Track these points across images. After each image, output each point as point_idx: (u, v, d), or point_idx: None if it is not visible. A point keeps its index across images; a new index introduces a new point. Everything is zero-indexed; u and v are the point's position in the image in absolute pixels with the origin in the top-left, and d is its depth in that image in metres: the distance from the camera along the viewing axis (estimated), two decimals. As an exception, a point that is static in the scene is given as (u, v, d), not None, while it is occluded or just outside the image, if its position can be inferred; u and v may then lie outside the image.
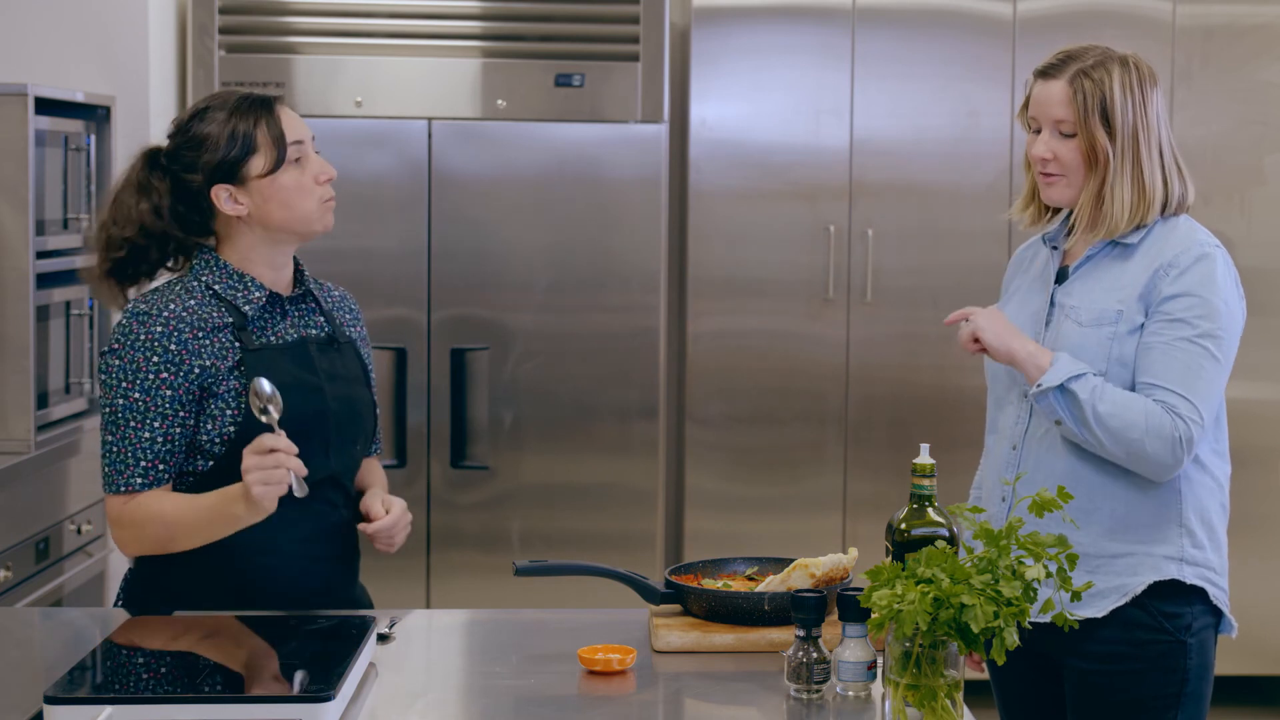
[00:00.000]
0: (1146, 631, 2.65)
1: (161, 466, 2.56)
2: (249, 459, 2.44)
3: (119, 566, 4.30)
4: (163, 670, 2.22)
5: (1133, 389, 2.64)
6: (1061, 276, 2.77)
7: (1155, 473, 2.62)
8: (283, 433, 2.45)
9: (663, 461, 4.98)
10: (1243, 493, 2.75)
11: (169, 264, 2.71)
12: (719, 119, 5.00)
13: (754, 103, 5.00)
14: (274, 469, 2.43)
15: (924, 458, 2.34)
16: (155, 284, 2.72)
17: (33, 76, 4.32)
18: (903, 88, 4.99)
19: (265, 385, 2.46)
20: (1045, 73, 2.72)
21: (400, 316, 4.84)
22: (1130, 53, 2.73)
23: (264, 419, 2.45)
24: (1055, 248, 2.80)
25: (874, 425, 5.06)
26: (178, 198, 2.64)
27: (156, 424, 2.54)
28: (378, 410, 2.83)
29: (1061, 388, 2.60)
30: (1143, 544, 2.66)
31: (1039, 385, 2.62)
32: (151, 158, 2.67)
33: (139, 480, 2.55)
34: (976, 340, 2.70)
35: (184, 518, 2.54)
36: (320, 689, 2.05)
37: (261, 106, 2.64)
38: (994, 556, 2.06)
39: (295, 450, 2.45)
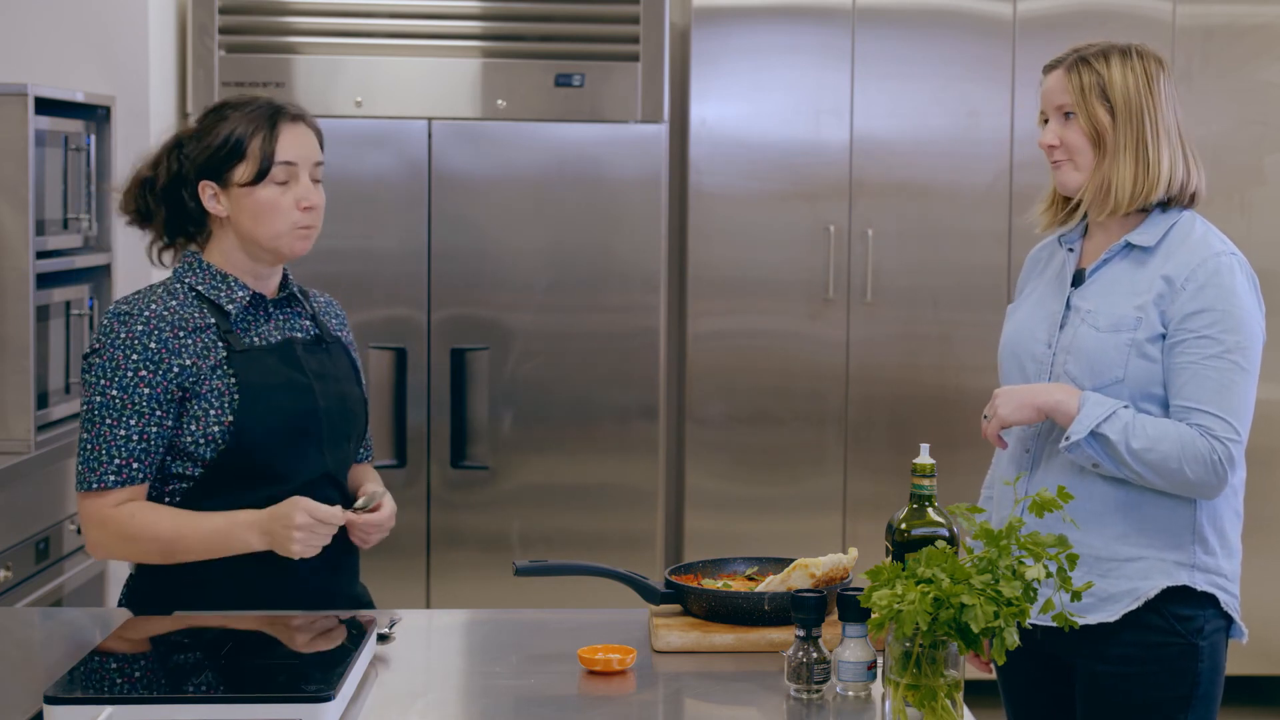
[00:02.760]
0: (1159, 634, 2.65)
1: (136, 465, 2.56)
2: (306, 518, 2.51)
3: (119, 566, 4.30)
4: (163, 670, 2.22)
5: (1163, 401, 2.64)
6: (1078, 280, 2.76)
7: (1202, 495, 2.63)
8: (342, 511, 2.58)
9: (663, 461, 4.98)
10: (1248, 494, 2.74)
11: (165, 241, 2.74)
12: (719, 119, 5.00)
13: (754, 103, 5.00)
14: (319, 538, 2.53)
15: (924, 458, 2.34)
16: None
17: (33, 76, 4.32)
18: (903, 88, 4.99)
19: (378, 498, 2.68)
20: (1050, 66, 2.78)
21: (400, 316, 4.84)
22: (1136, 42, 2.76)
23: (358, 505, 2.64)
24: (1071, 250, 2.80)
25: (874, 425, 5.06)
26: (179, 183, 2.67)
27: (133, 422, 2.55)
28: (368, 410, 2.84)
29: (1092, 433, 2.60)
30: (1155, 549, 2.65)
31: (1067, 438, 2.62)
32: (178, 138, 2.71)
33: (112, 478, 2.55)
34: (1004, 425, 2.70)
35: (184, 536, 2.55)
36: (320, 689, 2.05)
37: (268, 119, 2.65)
38: (994, 556, 2.06)
39: (343, 521, 2.57)
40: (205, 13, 4.75)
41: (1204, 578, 2.66)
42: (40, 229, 3.96)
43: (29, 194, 3.87)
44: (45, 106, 4.00)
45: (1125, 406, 2.62)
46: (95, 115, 4.32)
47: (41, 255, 3.97)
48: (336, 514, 2.53)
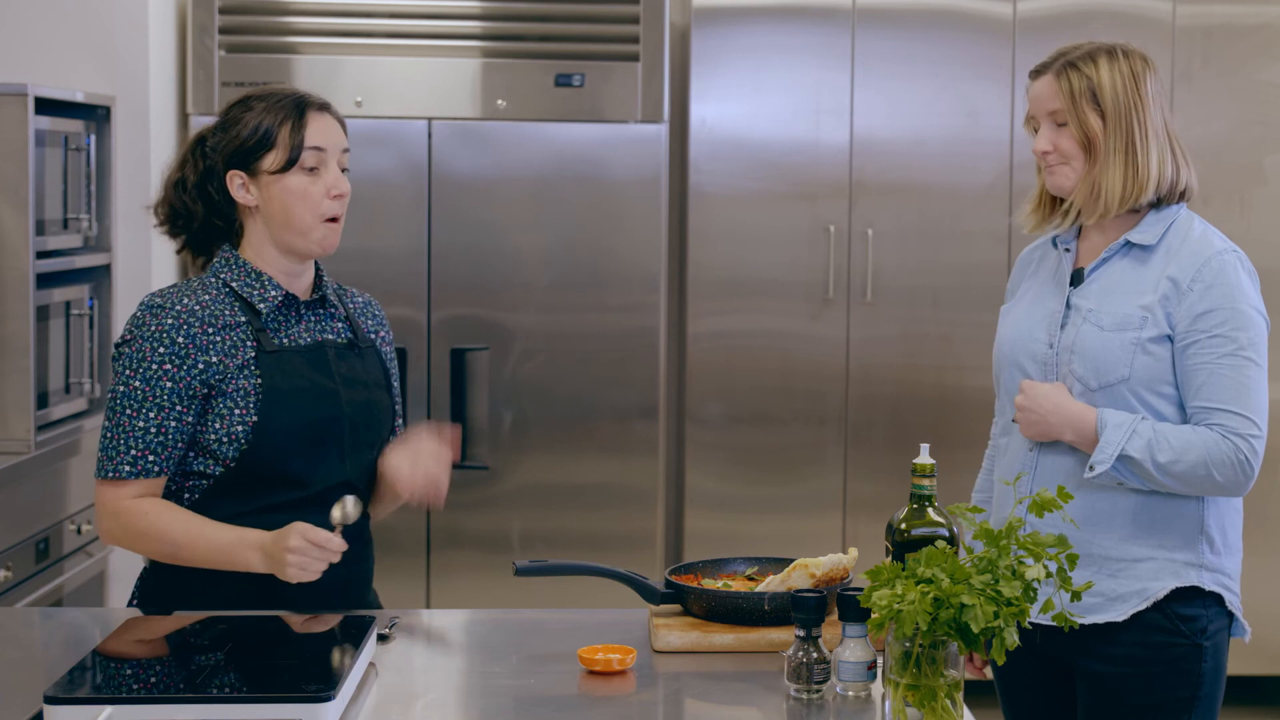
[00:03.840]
0: (1164, 635, 2.65)
1: (151, 458, 2.56)
2: (300, 541, 2.46)
3: (119, 566, 4.30)
4: (163, 670, 2.22)
5: (1172, 399, 2.64)
6: (1077, 279, 2.76)
7: (1231, 494, 2.64)
8: (339, 538, 2.50)
9: (663, 461, 4.98)
10: (1248, 493, 2.74)
11: (197, 246, 2.74)
12: (719, 119, 5.00)
13: (754, 103, 5.00)
14: (316, 562, 2.47)
15: (924, 458, 2.34)
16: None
17: (33, 76, 4.32)
18: (903, 88, 4.99)
19: (351, 505, 2.53)
20: (1036, 72, 2.78)
21: (400, 316, 4.84)
22: (1120, 42, 2.75)
23: (334, 519, 2.52)
24: (1068, 249, 2.80)
25: (874, 425, 5.06)
26: (207, 177, 2.68)
27: (152, 414, 2.55)
28: (398, 415, 2.83)
29: (1118, 457, 2.60)
30: (1165, 549, 2.65)
31: (1091, 468, 2.62)
32: (200, 135, 2.72)
33: (126, 469, 2.55)
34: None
35: (193, 544, 2.55)
36: (320, 689, 2.05)
37: (295, 108, 2.65)
38: (994, 556, 2.06)
39: (344, 548, 2.49)
40: (205, 13, 4.75)
41: (1211, 577, 2.66)
42: (40, 229, 3.96)
43: (29, 194, 3.87)
44: (45, 106, 4.00)
45: (1143, 419, 2.62)
46: (95, 115, 4.32)
47: (41, 255, 3.97)
48: (335, 540, 2.47)
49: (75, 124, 4.18)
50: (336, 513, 2.53)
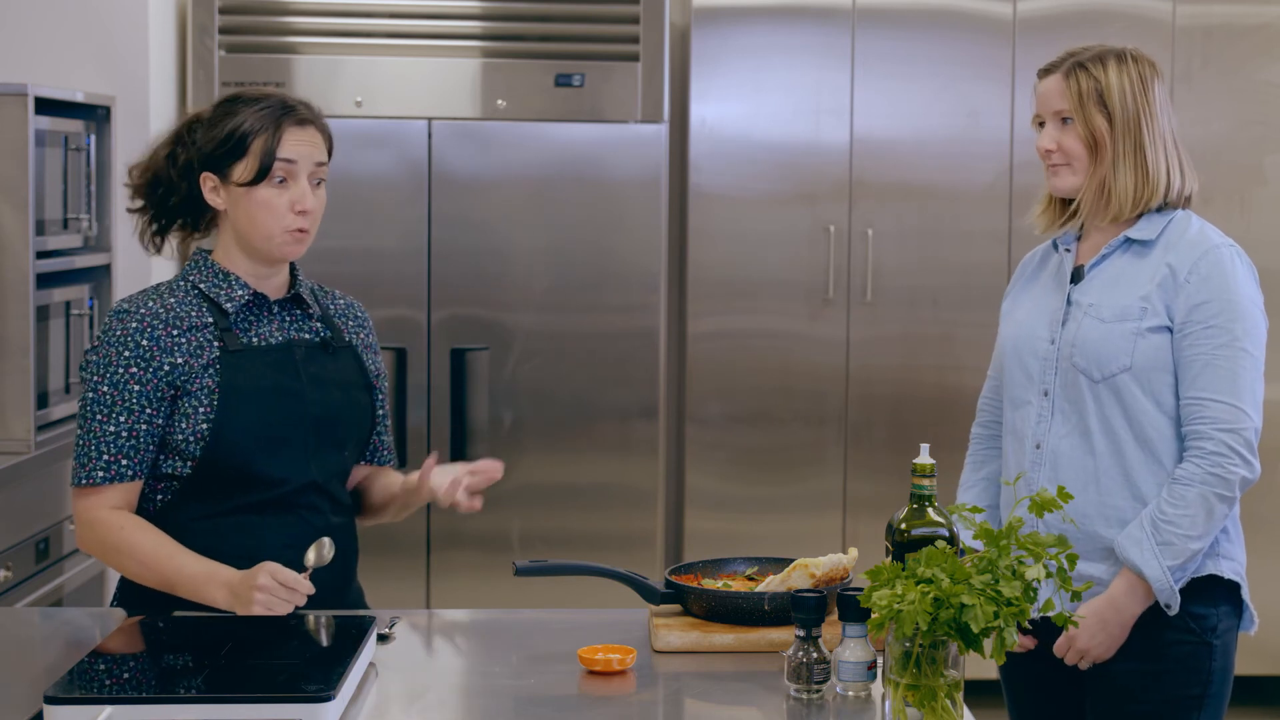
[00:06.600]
0: (1174, 632, 2.66)
1: (125, 462, 2.55)
2: (269, 580, 2.43)
3: (119, 566, 4.30)
4: (162, 670, 2.22)
5: (1172, 387, 2.66)
6: (1077, 276, 2.78)
7: (1245, 489, 2.66)
8: (308, 581, 2.47)
9: (663, 461, 4.98)
10: (1248, 493, 2.75)
11: (179, 224, 2.71)
12: (719, 119, 5.00)
13: (754, 103, 5.00)
14: (282, 603, 2.44)
15: (924, 458, 2.34)
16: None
17: (33, 76, 4.32)
18: (903, 88, 4.99)
19: (326, 548, 2.51)
20: (1045, 70, 2.80)
21: (400, 316, 4.84)
22: (1130, 46, 2.77)
23: (309, 561, 2.49)
24: (1069, 250, 2.81)
25: (874, 425, 5.06)
26: (186, 169, 2.66)
27: (122, 418, 2.55)
28: (381, 416, 2.81)
29: (1173, 573, 2.62)
30: None
31: (1169, 607, 2.63)
32: (193, 120, 2.69)
33: (100, 474, 2.55)
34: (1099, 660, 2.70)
35: (160, 568, 2.53)
36: (320, 689, 2.05)
37: (274, 120, 2.61)
38: (994, 556, 2.06)
39: (311, 592, 2.47)
40: (205, 13, 4.75)
41: (1228, 565, 2.69)
42: (40, 229, 3.96)
43: (29, 194, 3.87)
44: (45, 106, 4.00)
45: (1138, 524, 2.63)
46: (95, 115, 4.32)
47: (41, 255, 3.97)
48: (304, 584, 2.45)
49: (75, 124, 4.18)
50: (311, 555, 2.52)
